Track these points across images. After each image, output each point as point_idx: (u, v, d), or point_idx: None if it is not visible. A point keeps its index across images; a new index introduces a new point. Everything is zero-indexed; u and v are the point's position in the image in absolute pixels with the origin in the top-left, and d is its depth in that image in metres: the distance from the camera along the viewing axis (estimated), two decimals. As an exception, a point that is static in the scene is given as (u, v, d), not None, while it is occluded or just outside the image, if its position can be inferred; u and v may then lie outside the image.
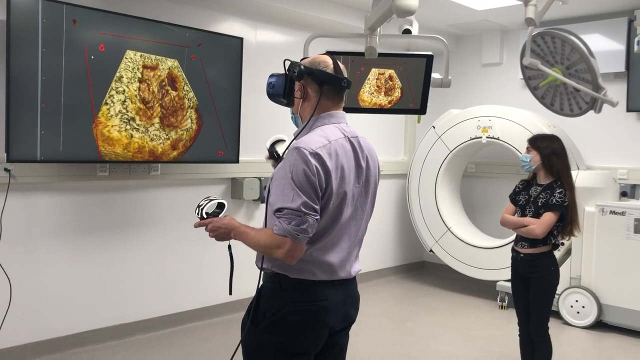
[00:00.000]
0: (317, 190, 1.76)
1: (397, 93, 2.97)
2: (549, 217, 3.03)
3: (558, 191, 3.04)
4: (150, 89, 3.86)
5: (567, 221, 3.07)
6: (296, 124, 2.01)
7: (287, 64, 1.93)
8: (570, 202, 3.05)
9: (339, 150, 1.84)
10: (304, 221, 1.72)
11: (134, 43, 3.78)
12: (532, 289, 3.14)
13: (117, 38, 3.69)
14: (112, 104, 3.69)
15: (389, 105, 3.01)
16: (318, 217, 1.76)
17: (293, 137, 1.93)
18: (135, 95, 3.79)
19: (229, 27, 4.63)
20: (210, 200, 1.98)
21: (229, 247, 2.00)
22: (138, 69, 3.79)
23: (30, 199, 3.69)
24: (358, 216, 1.94)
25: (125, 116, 3.76)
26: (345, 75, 1.94)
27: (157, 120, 3.92)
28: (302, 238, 1.74)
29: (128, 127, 3.79)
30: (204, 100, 4.18)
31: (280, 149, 2.21)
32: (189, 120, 4.11)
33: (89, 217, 3.97)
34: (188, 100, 4.08)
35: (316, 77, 1.89)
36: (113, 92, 3.68)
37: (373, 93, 2.98)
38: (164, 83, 3.93)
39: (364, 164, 1.93)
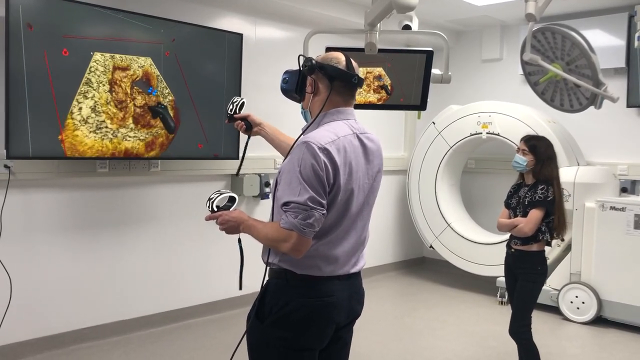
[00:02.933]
0: (325, 185, 1.77)
1: (389, 89, 2.97)
2: (534, 214, 3.10)
3: (540, 187, 3.11)
4: (123, 90, 3.74)
5: (555, 218, 3.12)
6: (305, 118, 2.03)
7: (302, 59, 1.95)
8: (558, 204, 3.11)
9: (348, 146, 1.85)
10: (311, 215, 1.73)
11: (101, 44, 3.63)
12: (518, 284, 3.18)
13: (82, 41, 3.55)
14: (79, 111, 3.57)
15: (379, 102, 3.00)
16: (325, 211, 1.77)
17: (301, 132, 1.93)
18: (106, 100, 3.68)
19: (229, 23, 4.62)
20: (221, 194, 2.00)
21: (239, 240, 2.02)
22: (108, 70, 3.66)
23: (30, 195, 3.69)
24: (365, 212, 1.95)
25: (95, 121, 3.65)
26: (358, 72, 1.95)
27: (130, 121, 3.81)
28: (309, 232, 1.75)
29: (98, 132, 3.68)
30: (181, 95, 4.06)
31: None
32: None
33: (89, 214, 3.97)
34: (163, 97, 3.96)
35: (327, 72, 1.90)
36: (81, 98, 3.56)
37: (361, 93, 2.97)
38: (137, 82, 3.80)
39: (371, 161, 1.94)
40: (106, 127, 3.72)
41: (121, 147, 3.81)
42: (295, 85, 1.98)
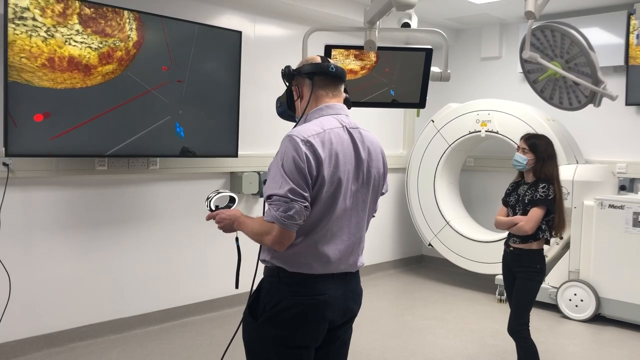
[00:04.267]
0: (307, 178, 1.76)
1: (372, 56, 2.91)
2: (534, 212, 3.09)
3: (541, 186, 3.10)
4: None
5: (556, 216, 3.12)
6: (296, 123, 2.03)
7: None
8: (558, 202, 3.11)
9: (334, 138, 1.85)
10: (291, 207, 1.73)
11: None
12: (516, 282, 3.18)
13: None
14: None
15: (364, 71, 2.97)
16: (307, 204, 1.77)
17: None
18: None
19: (228, 20, 4.61)
20: (219, 193, 2.03)
21: (237, 239, 2.03)
22: None
23: (29, 193, 3.69)
24: (359, 208, 1.93)
25: (23, 15, 3.15)
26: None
27: (75, 20, 3.32)
28: (290, 225, 1.75)
29: (27, 28, 3.17)
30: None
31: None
32: (127, 28, 3.56)
33: (87, 211, 3.96)
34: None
35: (303, 70, 1.95)
36: None
37: (341, 60, 2.92)
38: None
39: (364, 156, 1.92)
40: (34, 19, 3.22)
41: (63, 53, 3.32)
42: (287, 104, 2.02)
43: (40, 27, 3.26)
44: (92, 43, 3.46)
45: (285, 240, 1.78)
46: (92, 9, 3.46)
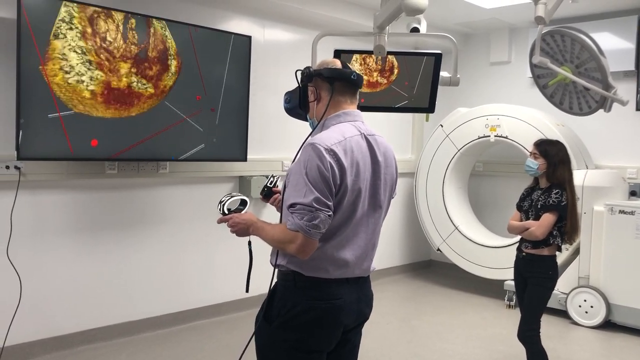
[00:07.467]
0: (331, 187, 1.77)
1: (395, 72, 2.95)
2: (546, 218, 3.08)
3: (554, 192, 3.10)
4: (115, 38, 3.61)
5: (568, 222, 3.10)
6: (313, 127, 2.03)
7: (299, 74, 1.98)
8: (571, 208, 3.09)
9: (355, 146, 1.86)
10: (316, 217, 1.73)
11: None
12: (528, 288, 3.17)
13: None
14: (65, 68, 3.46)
15: (388, 84, 2.98)
16: (331, 213, 1.77)
17: (308, 135, 1.94)
18: (89, 52, 3.53)
19: (237, 25, 4.63)
20: (232, 197, 2.04)
21: (249, 243, 2.04)
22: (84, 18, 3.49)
23: (40, 196, 3.71)
24: (376, 214, 1.95)
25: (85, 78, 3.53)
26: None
27: (127, 69, 3.71)
28: (314, 233, 1.75)
29: (88, 79, 3.56)
30: (183, 41, 3.98)
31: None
32: (171, 67, 3.94)
33: (98, 215, 3.99)
34: (170, 44, 3.88)
35: (325, 74, 1.93)
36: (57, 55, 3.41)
37: (366, 73, 2.95)
38: (130, 26, 3.68)
39: (381, 162, 1.94)
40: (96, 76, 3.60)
41: (120, 85, 3.70)
42: (297, 101, 2.01)
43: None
44: (144, 86, 3.85)
45: (309, 249, 1.78)
46: (144, 60, 3.79)
